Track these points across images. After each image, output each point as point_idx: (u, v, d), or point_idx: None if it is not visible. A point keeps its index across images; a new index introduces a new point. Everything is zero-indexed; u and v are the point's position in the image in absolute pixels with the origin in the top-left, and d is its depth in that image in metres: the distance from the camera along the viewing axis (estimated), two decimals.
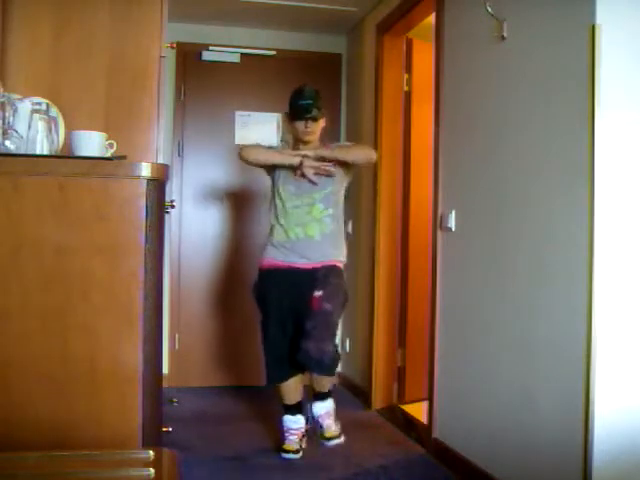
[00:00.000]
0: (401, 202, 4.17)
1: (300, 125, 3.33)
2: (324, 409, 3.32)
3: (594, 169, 2.19)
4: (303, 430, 3.35)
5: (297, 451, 3.28)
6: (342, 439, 3.32)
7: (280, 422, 3.37)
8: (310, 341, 3.09)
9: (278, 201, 3.37)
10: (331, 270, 3.30)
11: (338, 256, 3.36)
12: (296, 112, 3.34)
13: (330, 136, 4.77)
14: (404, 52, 4.18)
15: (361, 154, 3.46)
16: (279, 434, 3.38)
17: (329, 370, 3.22)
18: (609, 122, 2.20)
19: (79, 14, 2.76)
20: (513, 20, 2.69)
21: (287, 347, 3.29)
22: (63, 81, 2.72)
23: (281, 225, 3.33)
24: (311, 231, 3.31)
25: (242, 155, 3.37)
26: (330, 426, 3.31)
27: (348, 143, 3.61)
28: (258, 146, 3.44)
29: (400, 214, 4.18)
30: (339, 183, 3.37)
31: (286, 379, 3.34)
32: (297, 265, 3.29)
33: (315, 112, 3.31)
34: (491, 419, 2.81)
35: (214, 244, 4.76)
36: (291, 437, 3.31)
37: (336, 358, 3.25)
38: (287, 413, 3.36)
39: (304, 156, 3.28)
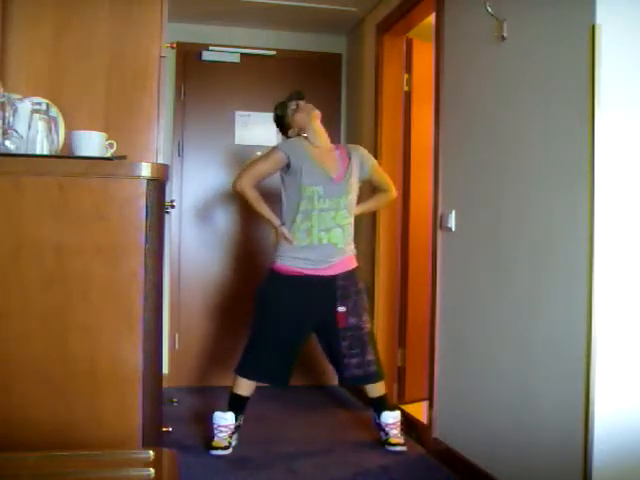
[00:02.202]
0: (401, 202, 4.17)
1: (297, 116, 3.40)
2: (392, 419, 3.42)
3: (594, 169, 2.19)
4: (233, 427, 3.35)
5: (226, 447, 3.28)
6: (405, 448, 3.37)
7: (210, 419, 3.36)
8: (351, 361, 3.31)
9: (303, 201, 3.28)
10: (349, 277, 3.35)
11: (351, 253, 3.40)
12: (285, 113, 3.44)
13: (330, 137, 4.78)
14: (404, 52, 4.18)
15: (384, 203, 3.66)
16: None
17: (380, 377, 3.41)
18: (609, 122, 2.20)
19: (79, 14, 2.76)
20: (513, 20, 2.69)
21: (298, 352, 3.38)
22: (63, 81, 2.72)
23: (305, 229, 3.27)
24: (335, 238, 3.30)
25: (237, 185, 3.35)
26: (397, 435, 3.41)
27: (360, 149, 3.52)
28: (253, 175, 3.33)
29: (400, 214, 4.18)
30: (357, 192, 3.43)
31: (286, 384, 3.39)
32: (318, 273, 3.28)
33: (294, 95, 3.47)
34: (491, 419, 2.81)
35: (214, 244, 4.75)
36: (220, 434, 3.31)
37: (379, 361, 3.41)
38: (231, 408, 3.35)
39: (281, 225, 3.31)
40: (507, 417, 2.69)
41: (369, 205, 3.62)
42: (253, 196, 3.34)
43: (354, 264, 3.41)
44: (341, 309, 3.30)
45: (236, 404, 3.38)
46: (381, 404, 3.45)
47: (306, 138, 3.39)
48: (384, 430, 3.42)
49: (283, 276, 3.30)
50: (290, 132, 3.46)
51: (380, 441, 3.44)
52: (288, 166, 3.30)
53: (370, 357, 3.35)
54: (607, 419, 2.20)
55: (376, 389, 3.44)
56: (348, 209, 3.34)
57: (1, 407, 1.90)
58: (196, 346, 4.69)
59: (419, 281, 4.05)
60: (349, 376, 3.36)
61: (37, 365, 1.92)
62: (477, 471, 2.85)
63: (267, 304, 3.33)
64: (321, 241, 3.27)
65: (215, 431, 3.32)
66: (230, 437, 3.33)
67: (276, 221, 3.33)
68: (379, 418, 3.44)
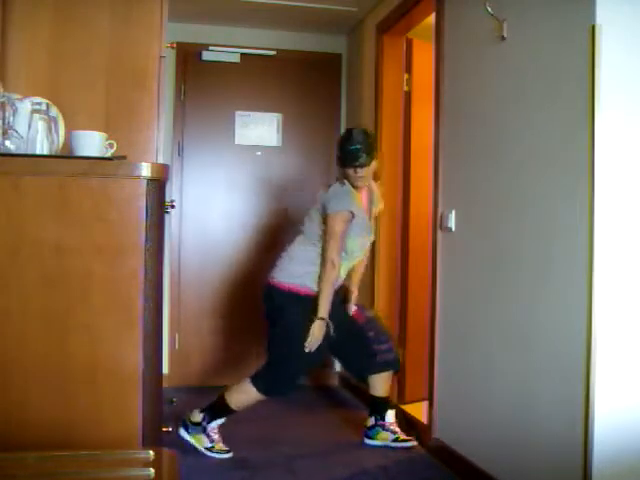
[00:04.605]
0: (401, 202, 4.17)
1: (350, 171, 3.22)
2: (393, 417, 3.52)
3: (594, 169, 2.19)
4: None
5: (229, 451, 3.31)
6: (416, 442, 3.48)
7: (209, 425, 3.32)
8: (381, 347, 3.44)
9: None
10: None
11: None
12: (345, 158, 3.20)
13: (330, 137, 4.79)
14: (404, 52, 4.18)
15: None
16: (219, 434, 3.34)
17: (398, 363, 3.54)
18: (609, 122, 2.20)
19: (79, 14, 2.77)
20: (513, 20, 2.69)
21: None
22: (63, 81, 2.72)
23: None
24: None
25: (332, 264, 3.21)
26: (400, 431, 3.50)
27: (377, 194, 3.45)
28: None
29: (400, 214, 4.18)
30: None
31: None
32: None
33: (364, 158, 3.16)
34: (491, 419, 2.81)
35: (214, 244, 4.75)
36: (215, 436, 3.32)
37: (396, 348, 3.57)
38: (216, 413, 3.34)
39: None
40: (507, 417, 2.69)
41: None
42: (331, 281, 3.23)
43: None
44: (354, 308, 3.47)
45: (222, 413, 3.34)
46: (385, 404, 3.50)
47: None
48: (389, 430, 3.46)
49: (310, 298, 3.22)
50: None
51: (388, 442, 3.44)
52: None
53: (392, 342, 3.53)
54: (607, 419, 2.20)
55: (384, 388, 3.51)
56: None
57: (1, 407, 1.90)
58: (196, 346, 4.69)
59: (419, 281, 4.05)
60: (382, 361, 3.45)
61: (37, 365, 1.91)
62: (477, 471, 2.85)
63: (299, 324, 3.21)
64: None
65: (212, 436, 3.32)
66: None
67: (324, 313, 3.19)
68: (383, 419, 3.47)
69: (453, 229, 3.17)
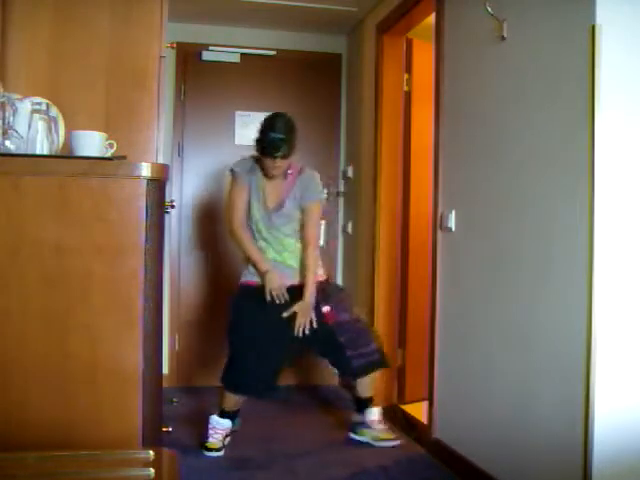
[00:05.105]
0: (401, 202, 4.17)
1: (268, 161, 3.22)
2: (377, 415, 3.50)
3: (594, 169, 2.19)
4: (228, 431, 3.39)
5: (219, 449, 3.31)
6: (399, 442, 3.48)
7: (207, 420, 3.39)
8: (354, 352, 3.34)
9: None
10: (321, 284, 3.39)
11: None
12: (266, 147, 3.19)
13: (330, 137, 4.79)
14: (404, 52, 4.18)
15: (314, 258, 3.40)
16: (204, 432, 3.38)
17: (385, 364, 3.48)
18: (609, 122, 2.20)
19: (79, 14, 2.77)
20: (513, 20, 2.69)
21: (280, 362, 3.39)
22: (63, 81, 2.72)
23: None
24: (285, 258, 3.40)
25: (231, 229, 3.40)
26: (385, 429, 3.50)
27: (307, 174, 3.41)
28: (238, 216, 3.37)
29: (400, 214, 4.18)
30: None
31: (274, 394, 3.49)
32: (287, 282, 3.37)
33: (284, 150, 3.16)
34: (491, 419, 2.81)
35: (214, 244, 4.75)
36: (215, 435, 3.34)
37: (383, 350, 3.47)
38: (221, 416, 3.38)
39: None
40: (507, 417, 2.69)
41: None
42: (246, 244, 3.41)
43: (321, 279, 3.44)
44: (325, 308, 3.33)
45: (227, 415, 3.40)
46: (366, 403, 3.52)
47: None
48: (371, 428, 3.48)
49: (252, 287, 3.38)
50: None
51: (369, 439, 3.46)
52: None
53: (373, 346, 3.41)
54: (607, 419, 2.20)
55: (368, 388, 3.50)
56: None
57: (1, 407, 1.90)
58: (196, 346, 4.69)
59: (419, 281, 4.05)
60: (359, 365, 3.38)
61: (37, 365, 1.91)
62: (477, 471, 2.85)
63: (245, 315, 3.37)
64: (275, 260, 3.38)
65: (210, 431, 3.34)
66: (224, 439, 3.36)
67: (264, 268, 3.32)
68: (363, 416, 3.50)
69: (453, 229, 3.17)
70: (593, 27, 2.20)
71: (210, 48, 4.70)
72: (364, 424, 3.50)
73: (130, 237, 1.95)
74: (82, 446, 1.89)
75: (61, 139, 2.26)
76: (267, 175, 3.33)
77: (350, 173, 4.72)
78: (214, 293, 4.74)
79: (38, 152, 2.11)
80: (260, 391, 3.40)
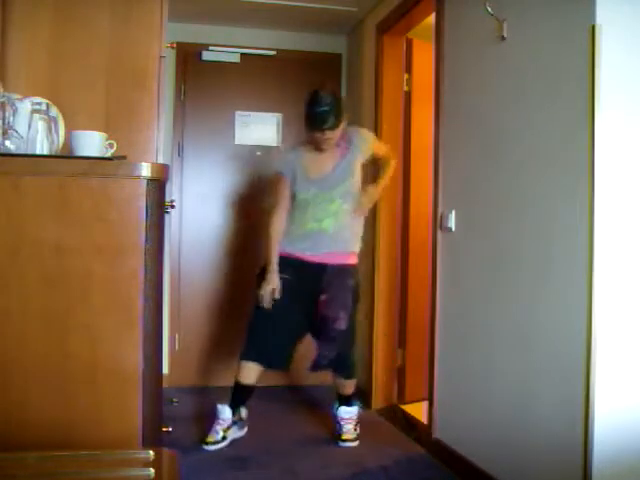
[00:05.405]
0: (401, 202, 4.17)
1: (317, 135, 3.27)
2: (348, 414, 3.54)
3: (594, 169, 2.19)
4: (229, 421, 3.40)
5: (217, 442, 3.33)
6: (356, 443, 3.48)
7: (211, 414, 3.43)
8: (321, 351, 3.36)
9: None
10: (340, 270, 3.37)
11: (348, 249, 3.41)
12: (312, 122, 3.24)
13: None
14: (404, 52, 4.18)
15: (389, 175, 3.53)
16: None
17: (346, 373, 3.51)
18: (609, 122, 2.20)
19: (79, 14, 2.77)
20: (513, 20, 2.69)
21: (295, 336, 3.43)
22: (63, 81, 2.72)
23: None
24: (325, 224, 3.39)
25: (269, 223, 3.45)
26: (349, 430, 3.51)
27: (358, 134, 3.44)
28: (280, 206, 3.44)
29: (400, 214, 4.18)
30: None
31: (287, 368, 3.50)
32: (308, 259, 3.38)
33: (332, 121, 3.20)
34: (491, 419, 2.81)
35: (214, 244, 4.75)
36: (217, 427, 3.36)
37: (350, 362, 3.51)
38: (233, 399, 3.41)
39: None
40: (507, 417, 2.69)
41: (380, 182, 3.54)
42: (272, 239, 3.44)
43: (349, 260, 3.43)
44: (322, 297, 3.34)
45: (238, 396, 3.42)
46: (343, 401, 3.56)
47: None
48: (339, 424, 3.52)
49: (281, 258, 3.40)
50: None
51: (334, 435, 3.52)
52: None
53: (332, 355, 3.37)
54: (607, 419, 2.20)
55: (346, 387, 3.56)
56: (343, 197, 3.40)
57: (1, 407, 1.90)
58: (196, 346, 4.69)
59: (419, 281, 4.05)
60: (316, 363, 3.40)
61: (37, 365, 1.91)
62: (477, 471, 2.85)
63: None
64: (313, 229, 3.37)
65: (214, 424, 3.37)
66: (226, 430, 3.37)
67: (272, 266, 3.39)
68: (337, 411, 3.54)
69: (453, 229, 3.17)
70: (593, 27, 2.20)
71: (210, 48, 4.69)
72: (336, 420, 3.56)
73: (130, 237, 1.95)
74: (82, 446, 1.89)
75: (61, 139, 2.26)
76: (319, 149, 3.37)
77: None
78: (214, 293, 4.74)
79: (38, 152, 2.11)
80: (272, 361, 3.42)
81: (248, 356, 3.40)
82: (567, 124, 2.35)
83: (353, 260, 3.45)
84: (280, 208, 3.43)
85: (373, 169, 3.58)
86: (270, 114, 4.78)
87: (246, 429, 3.51)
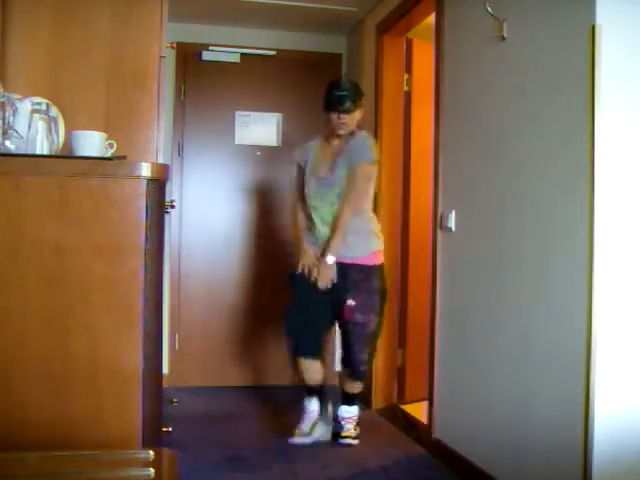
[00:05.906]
0: (401, 202, 4.17)
1: (333, 116, 3.36)
2: (349, 413, 3.54)
3: (594, 169, 2.19)
4: (316, 414, 3.49)
5: (305, 434, 3.44)
6: (356, 442, 3.49)
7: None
8: (347, 352, 3.44)
9: None
10: (363, 271, 3.39)
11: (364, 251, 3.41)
12: (329, 103, 3.37)
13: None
14: (404, 52, 4.18)
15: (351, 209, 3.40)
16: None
17: (361, 377, 3.52)
18: (609, 122, 2.20)
19: (79, 14, 2.76)
20: (513, 20, 2.69)
21: (324, 323, 3.49)
22: (63, 81, 2.72)
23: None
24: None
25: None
26: (350, 429, 3.52)
27: (357, 135, 3.43)
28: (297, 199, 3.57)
29: (400, 214, 4.18)
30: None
31: (318, 356, 3.50)
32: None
33: (349, 104, 3.33)
34: (491, 419, 2.81)
35: (214, 244, 4.75)
36: (347, 425, 3.48)
37: (367, 365, 3.53)
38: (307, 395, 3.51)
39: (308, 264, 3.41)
40: (507, 417, 2.69)
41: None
42: (297, 226, 3.58)
43: (370, 261, 3.42)
44: (349, 302, 3.36)
45: (311, 392, 3.53)
46: (347, 399, 3.56)
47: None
48: (339, 423, 3.53)
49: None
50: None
51: (333, 434, 3.53)
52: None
53: (362, 357, 3.44)
54: (607, 419, 2.20)
55: (354, 387, 3.56)
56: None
57: (1, 407, 1.90)
58: (196, 346, 4.69)
59: (419, 281, 4.05)
60: (355, 370, 3.46)
61: (37, 365, 1.91)
62: (477, 471, 2.85)
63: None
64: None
65: (342, 422, 3.48)
66: (312, 427, 3.48)
67: (303, 254, 3.47)
68: (338, 410, 3.55)
69: (453, 229, 3.17)
70: (593, 27, 2.20)
71: (210, 48, 4.70)
72: (337, 419, 3.56)
73: (130, 237, 1.95)
74: (82, 446, 1.88)
75: (61, 139, 2.26)
76: (335, 133, 3.42)
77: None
78: (214, 293, 4.74)
79: (38, 152, 2.11)
80: (292, 334, 3.49)
81: (289, 332, 3.49)
82: (567, 124, 2.35)
83: (373, 261, 3.42)
84: (297, 198, 3.58)
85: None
86: (270, 114, 4.79)
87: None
